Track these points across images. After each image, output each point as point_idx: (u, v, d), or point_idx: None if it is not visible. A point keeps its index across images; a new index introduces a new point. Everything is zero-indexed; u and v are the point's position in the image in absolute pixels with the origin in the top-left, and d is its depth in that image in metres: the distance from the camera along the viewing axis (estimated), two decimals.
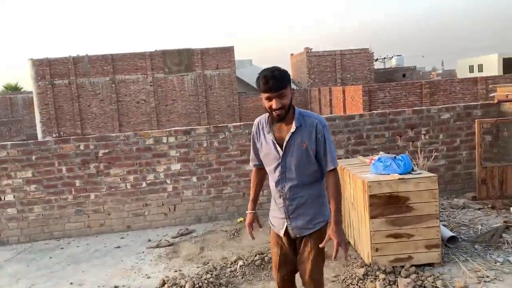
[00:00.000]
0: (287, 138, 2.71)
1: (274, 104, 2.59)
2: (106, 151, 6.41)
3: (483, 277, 4.05)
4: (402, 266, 4.28)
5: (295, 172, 2.74)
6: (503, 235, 4.88)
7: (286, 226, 2.82)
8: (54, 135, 27.75)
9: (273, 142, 2.74)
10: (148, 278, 4.73)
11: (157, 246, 5.68)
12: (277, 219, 2.87)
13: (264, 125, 2.82)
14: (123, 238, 6.22)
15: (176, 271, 4.81)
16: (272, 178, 2.83)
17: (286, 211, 2.80)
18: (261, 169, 2.99)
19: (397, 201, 4.28)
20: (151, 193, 6.57)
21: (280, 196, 2.79)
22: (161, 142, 6.53)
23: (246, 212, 3.07)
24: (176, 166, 6.59)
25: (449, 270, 4.25)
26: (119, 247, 5.85)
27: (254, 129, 2.91)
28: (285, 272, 2.90)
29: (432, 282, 3.98)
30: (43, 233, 6.41)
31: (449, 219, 5.64)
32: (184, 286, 4.09)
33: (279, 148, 2.73)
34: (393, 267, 4.26)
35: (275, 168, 2.77)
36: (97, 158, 6.41)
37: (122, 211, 6.53)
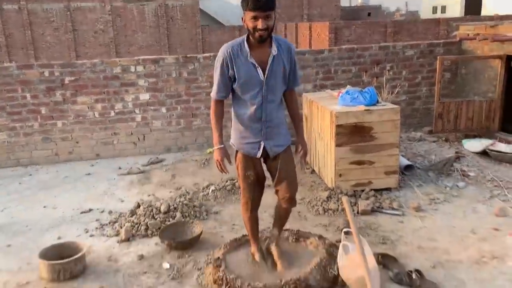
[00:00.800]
0: (270, 61, 2.81)
1: (259, 24, 2.64)
2: (72, 78, 6.26)
3: (434, 199, 4.48)
4: (362, 190, 4.64)
5: (275, 95, 2.91)
6: (454, 164, 5.32)
7: (264, 147, 2.99)
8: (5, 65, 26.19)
9: (254, 66, 2.82)
10: (122, 201, 4.88)
11: (128, 173, 5.80)
12: (250, 144, 2.99)
13: (239, 51, 2.81)
14: (93, 165, 6.27)
15: (149, 195, 4.99)
16: (251, 104, 2.90)
17: (264, 133, 2.95)
18: (222, 101, 3.01)
19: (362, 130, 4.55)
20: (120, 122, 6.56)
21: (258, 120, 2.92)
22: (129, 71, 6.42)
23: (214, 148, 3.00)
24: (144, 96, 6.56)
25: (405, 194, 4.66)
26: (89, 174, 5.92)
27: (224, 57, 2.82)
28: (258, 193, 3.11)
29: (389, 204, 4.37)
30: (9, 160, 6.35)
31: (406, 150, 6.04)
32: (159, 207, 4.28)
33: (261, 72, 2.82)
34: (354, 191, 4.62)
35: (257, 93, 2.86)
36: (63, 86, 6.26)
37: (90, 139, 6.52)
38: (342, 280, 3.06)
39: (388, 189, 4.72)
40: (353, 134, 4.54)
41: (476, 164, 5.39)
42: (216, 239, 3.87)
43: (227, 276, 3.04)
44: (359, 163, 4.62)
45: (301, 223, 4.11)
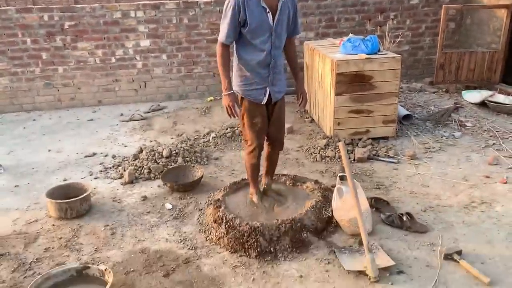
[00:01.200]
0: (279, 7, 2.85)
1: None
2: (72, 23, 6.19)
3: (429, 148, 4.58)
4: (360, 139, 4.73)
5: (281, 41, 2.99)
6: (452, 115, 5.38)
7: (269, 93, 3.05)
8: None
9: (265, 10, 2.82)
10: (125, 147, 5.00)
11: (130, 120, 5.88)
12: (257, 90, 3.03)
13: None
14: (95, 112, 6.35)
15: (151, 141, 5.10)
16: (260, 49, 2.90)
17: (271, 79, 3.01)
18: (228, 46, 2.95)
19: (362, 79, 4.57)
20: (121, 68, 6.56)
21: (266, 66, 2.96)
22: (129, 16, 6.34)
23: (224, 94, 2.95)
24: (145, 43, 6.52)
25: (401, 142, 4.75)
26: (92, 119, 6.01)
27: (237, 0, 2.74)
28: (263, 140, 3.21)
29: (386, 152, 4.48)
30: (13, 105, 6.42)
31: (406, 100, 6.08)
32: (162, 152, 4.40)
33: (271, 17, 2.84)
34: (352, 139, 4.71)
35: (268, 38, 2.89)
36: (63, 31, 6.21)
37: (92, 86, 6.55)
38: (336, 221, 3.22)
39: (385, 138, 4.81)
40: (353, 82, 4.57)
41: (474, 115, 5.44)
42: (216, 183, 4.01)
43: (227, 216, 3.20)
44: (358, 112, 4.68)
45: (298, 169, 4.24)
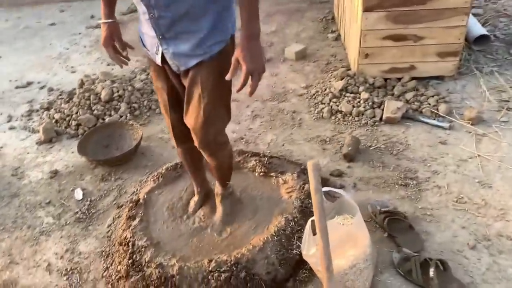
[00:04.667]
0: None
1: None
2: None
3: (508, 101, 2.89)
4: (399, 79, 3.11)
5: None
6: None
7: (162, 52, 1.58)
8: None
9: None
10: (73, 72, 3.73)
11: (97, 27, 4.48)
12: (148, 37, 1.60)
13: None
14: (63, 11, 4.97)
15: (108, 65, 3.76)
16: None
17: (156, 28, 1.51)
18: None
19: None
20: None
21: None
22: None
23: (98, 21, 1.74)
24: None
25: (463, 87, 3.07)
26: (54, 24, 4.68)
27: None
28: (178, 114, 1.78)
29: (434, 106, 2.87)
30: None
31: (486, 4, 4.11)
32: (100, 94, 3.09)
33: None
34: (385, 79, 3.10)
35: None
36: None
37: None
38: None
39: (439, 79, 3.14)
40: None
41: None
42: (163, 152, 2.73)
43: (136, 241, 1.99)
44: (399, 38, 2.96)
45: (289, 132, 2.81)
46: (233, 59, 1.45)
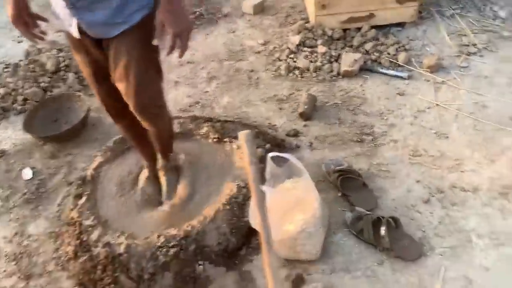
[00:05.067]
0: None
1: None
2: None
3: (468, 45, 2.81)
4: (359, 29, 2.98)
5: None
6: None
7: (78, 23, 1.44)
8: None
9: None
10: (19, 42, 3.51)
11: None
12: (60, 8, 1.45)
13: None
14: None
15: (57, 32, 3.54)
16: None
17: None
18: None
19: None
20: None
21: None
22: None
23: None
24: None
25: (424, 32, 2.97)
26: None
27: None
28: (107, 87, 1.66)
29: (394, 55, 2.77)
30: None
31: None
32: (46, 64, 2.92)
33: None
34: (345, 31, 2.97)
35: None
36: None
37: None
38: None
39: (400, 25, 3.02)
40: None
41: None
42: (111, 126, 2.59)
43: (82, 221, 1.93)
44: None
45: (246, 93, 2.71)
46: (157, 24, 1.37)
